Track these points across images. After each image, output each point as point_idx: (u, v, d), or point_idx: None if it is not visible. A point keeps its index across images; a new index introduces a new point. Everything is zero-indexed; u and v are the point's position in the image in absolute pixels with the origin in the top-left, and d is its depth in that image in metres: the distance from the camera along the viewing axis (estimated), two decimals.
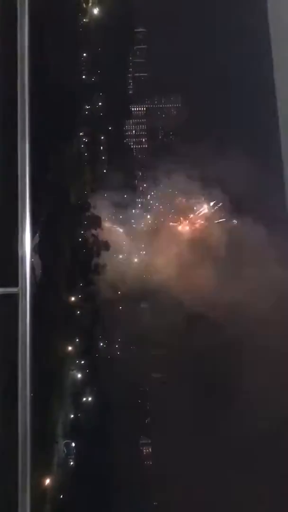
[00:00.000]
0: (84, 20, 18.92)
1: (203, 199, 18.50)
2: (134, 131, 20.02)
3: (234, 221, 17.94)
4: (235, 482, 14.90)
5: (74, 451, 16.31)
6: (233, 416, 15.34)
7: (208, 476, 15.25)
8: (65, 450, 16.17)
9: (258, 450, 15.05)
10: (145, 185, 19.61)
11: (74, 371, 17.06)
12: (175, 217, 18.82)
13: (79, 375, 17.08)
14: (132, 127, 20.03)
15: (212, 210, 18.43)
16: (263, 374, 15.45)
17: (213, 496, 14.87)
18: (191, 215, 18.56)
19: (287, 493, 14.46)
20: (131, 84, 20.03)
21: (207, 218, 18.45)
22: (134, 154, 20.00)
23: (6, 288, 4.08)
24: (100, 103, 19.30)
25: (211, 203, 18.44)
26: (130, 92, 20.12)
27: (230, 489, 14.84)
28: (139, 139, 19.93)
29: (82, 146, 19.00)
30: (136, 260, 18.55)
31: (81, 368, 17.18)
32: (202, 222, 18.40)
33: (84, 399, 16.95)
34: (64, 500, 15.73)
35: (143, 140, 19.92)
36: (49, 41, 15.28)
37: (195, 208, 18.67)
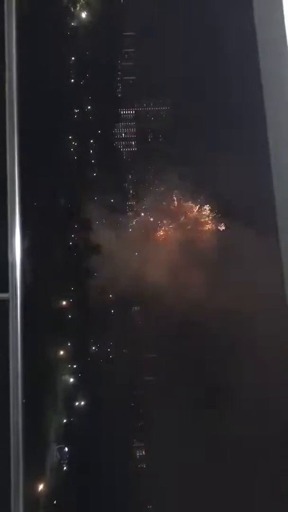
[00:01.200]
0: (72, 24, 18.93)
1: (194, 202, 18.58)
2: (123, 134, 20.05)
3: (224, 224, 18.06)
4: (232, 485, 14.91)
5: (67, 455, 16.27)
6: (227, 419, 15.38)
7: (203, 479, 15.26)
8: (58, 455, 16.11)
9: (254, 453, 15.09)
10: (135, 188, 19.65)
11: (66, 376, 17.02)
12: (166, 220, 18.89)
13: (71, 380, 17.04)
14: (121, 130, 20.06)
15: (203, 213, 18.52)
16: (258, 377, 15.50)
17: (209, 499, 14.88)
18: (183, 218, 18.64)
19: (286, 496, 14.50)
20: (120, 87, 20.07)
21: (198, 221, 18.55)
22: (124, 157, 20.03)
23: None
24: (89, 107, 19.31)
25: (202, 206, 18.54)
26: (119, 95, 20.15)
27: (226, 492, 14.85)
28: (128, 142, 19.97)
29: (71, 150, 18.99)
30: (127, 263, 18.56)
31: (73, 373, 17.15)
32: (194, 225, 18.49)
33: (77, 403, 16.91)
34: (58, 505, 15.65)
35: (133, 143, 19.95)
36: (37, 44, 15.27)
37: (186, 211, 18.77)
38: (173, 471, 15.73)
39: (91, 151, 19.63)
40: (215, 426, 15.55)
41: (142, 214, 19.27)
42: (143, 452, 17.13)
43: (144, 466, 16.95)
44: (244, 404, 15.37)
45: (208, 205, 18.42)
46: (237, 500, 14.89)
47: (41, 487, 15.42)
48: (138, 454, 17.12)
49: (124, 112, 20.27)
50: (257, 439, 15.20)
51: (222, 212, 17.93)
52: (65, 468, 16.37)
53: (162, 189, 19.12)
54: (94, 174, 19.36)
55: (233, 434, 15.40)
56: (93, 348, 17.99)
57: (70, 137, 19.30)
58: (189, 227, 18.27)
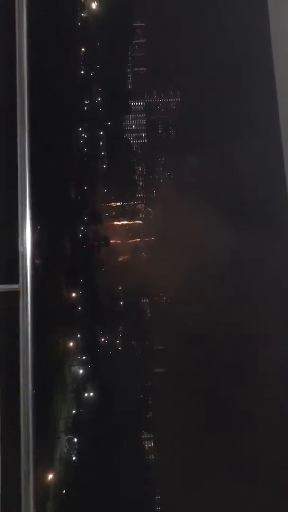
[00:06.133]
0: (83, 14, 18.84)
1: (203, 195, 18.48)
2: (133, 126, 19.95)
3: (233, 218, 17.89)
4: (238, 478, 14.95)
5: (77, 446, 16.37)
6: (235, 411, 15.39)
7: (210, 469, 15.31)
8: (67, 445, 16.23)
9: (261, 445, 15.10)
10: (145, 180, 19.58)
11: (76, 367, 17.10)
12: (176, 211, 18.81)
13: (81, 371, 17.12)
14: (132, 122, 19.96)
15: (213, 206, 18.39)
16: (267, 366, 15.48)
17: (216, 490, 14.93)
18: (192, 211, 18.54)
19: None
20: (130, 78, 19.95)
21: (207, 214, 18.42)
22: (134, 149, 19.94)
23: (7, 285, 4.07)
24: (99, 98, 19.25)
25: (212, 199, 18.42)
26: (129, 87, 20.03)
27: (233, 484, 14.89)
28: (138, 134, 19.87)
29: (81, 141, 18.96)
30: (136, 255, 18.56)
31: (82, 364, 17.22)
32: (202, 218, 18.37)
33: (86, 394, 16.99)
34: (67, 495, 15.80)
35: (143, 135, 19.85)
36: (48, 36, 15.23)
37: (195, 204, 18.65)
38: (181, 462, 15.79)
39: (101, 142, 19.62)
40: (223, 417, 15.57)
41: (152, 205, 19.24)
42: (152, 443, 17.22)
43: (153, 457, 17.04)
44: (256, 396, 15.38)
45: (218, 197, 18.33)
46: (243, 491, 14.93)
47: (50, 476, 15.58)
48: (146, 445, 17.21)
49: (135, 103, 20.20)
50: (265, 432, 15.19)
51: (232, 204, 17.85)
52: (74, 458, 16.52)
53: (172, 180, 19.07)
54: (104, 166, 19.35)
55: (241, 426, 15.42)
56: (102, 339, 18.07)
57: (80, 129, 19.30)
58: (199, 219, 18.21)
